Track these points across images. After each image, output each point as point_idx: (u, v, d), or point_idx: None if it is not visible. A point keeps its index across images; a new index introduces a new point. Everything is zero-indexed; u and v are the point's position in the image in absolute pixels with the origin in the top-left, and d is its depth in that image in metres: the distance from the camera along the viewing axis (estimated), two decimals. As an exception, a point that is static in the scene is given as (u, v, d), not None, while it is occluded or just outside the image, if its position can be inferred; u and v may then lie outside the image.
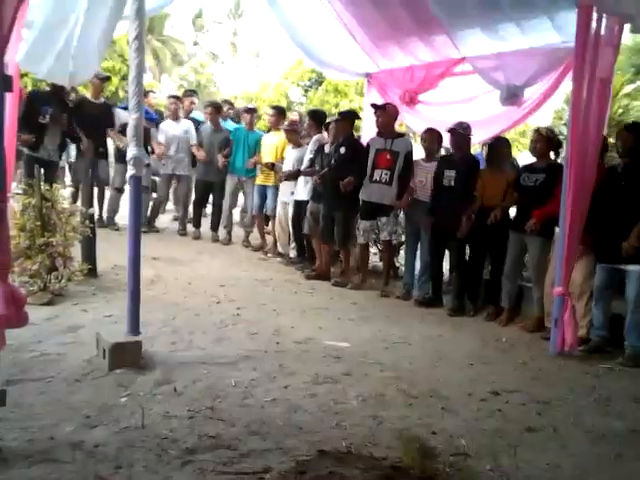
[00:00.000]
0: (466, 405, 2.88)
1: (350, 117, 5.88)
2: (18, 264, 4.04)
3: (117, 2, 3.97)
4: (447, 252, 5.22)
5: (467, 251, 5.07)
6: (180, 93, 12.50)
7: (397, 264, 6.18)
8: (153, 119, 7.28)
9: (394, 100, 6.77)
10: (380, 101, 6.88)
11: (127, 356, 2.91)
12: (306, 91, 20.67)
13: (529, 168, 4.69)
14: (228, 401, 2.67)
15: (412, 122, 6.71)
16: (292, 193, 6.25)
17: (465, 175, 4.91)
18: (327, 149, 5.73)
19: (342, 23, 6.44)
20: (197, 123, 7.69)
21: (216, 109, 7.33)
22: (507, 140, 5.32)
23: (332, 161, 5.53)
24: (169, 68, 32.66)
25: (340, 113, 6.15)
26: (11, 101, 5.08)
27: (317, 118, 6.26)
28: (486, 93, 5.73)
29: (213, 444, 2.25)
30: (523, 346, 4.09)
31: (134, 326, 3.15)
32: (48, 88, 6.58)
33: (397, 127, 6.45)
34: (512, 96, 5.26)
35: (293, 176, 6.15)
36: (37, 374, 2.80)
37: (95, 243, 4.81)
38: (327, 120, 5.98)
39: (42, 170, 4.99)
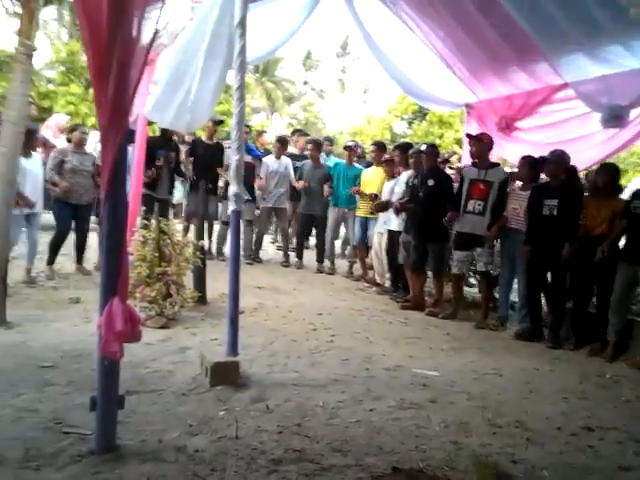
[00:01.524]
0: (554, 438, 2.82)
1: (433, 150, 5.99)
2: (139, 291, 4.56)
3: (226, 58, 4.48)
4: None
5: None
6: (289, 131, 13.27)
7: (495, 295, 6.07)
8: (258, 156, 7.83)
9: (492, 128, 6.78)
10: (479, 131, 6.92)
11: (226, 374, 3.20)
12: (410, 123, 20.85)
13: None
14: (315, 420, 2.85)
15: (509, 151, 6.63)
16: (384, 223, 6.42)
17: (568, 203, 4.75)
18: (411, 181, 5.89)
19: (440, 58, 6.60)
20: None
21: (317, 146, 7.77)
22: (613, 166, 5.07)
23: (420, 193, 5.65)
24: (280, 107, 34.50)
25: (426, 145, 6.26)
26: (138, 150, 5.83)
27: (405, 151, 6.41)
28: (587, 114, 5.59)
29: (298, 457, 2.43)
30: (629, 383, 3.87)
31: (233, 348, 3.46)
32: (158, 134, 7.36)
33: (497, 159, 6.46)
34: (615, 118, 5.08)
35: (383, 207, 6.34)
36: (151, 387, 3.17)
37: (205, 273, 5.28)
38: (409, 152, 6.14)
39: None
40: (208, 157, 7.29)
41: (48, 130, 8.56)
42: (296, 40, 6.54)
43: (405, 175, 6.17)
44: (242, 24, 3.39)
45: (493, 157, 6.77)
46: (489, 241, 5.31)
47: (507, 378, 3.78)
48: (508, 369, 3.98)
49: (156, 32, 2.39)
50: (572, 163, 5.33)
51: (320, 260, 7.67)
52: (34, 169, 5.79)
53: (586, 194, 5.06)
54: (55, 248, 6.11)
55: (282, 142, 8.01)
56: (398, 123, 21.63)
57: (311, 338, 4.49)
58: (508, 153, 6.78)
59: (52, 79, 16.39)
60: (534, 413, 3.14)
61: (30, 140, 5.66)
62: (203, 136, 7.66)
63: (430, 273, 5.92)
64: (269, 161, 7.78)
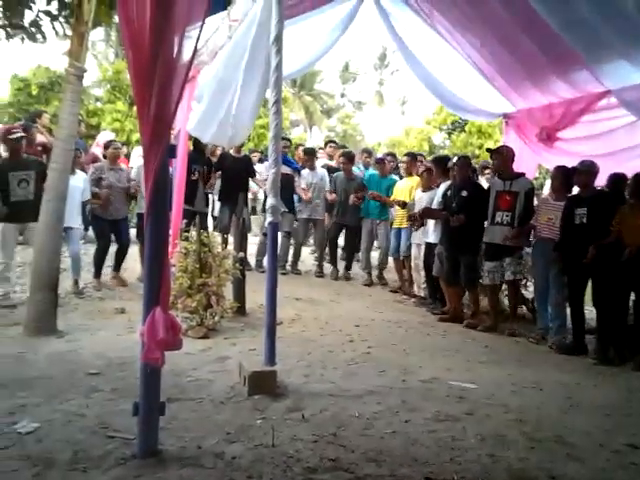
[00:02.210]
0: (595, 455, 2.75)
1: (465, 161, 6.03)
2: (181, 302, 4.70)
3: (265, 74, 4.60)
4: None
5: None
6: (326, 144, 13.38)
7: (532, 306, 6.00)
8: (296, 168, 7.96)
9: (532, 139, 6.69)
10: (517, 141, 6.86)
11: (264, 384, 3.27)
12: (449, 134, 20.70)
13: None
14: (350, 430, 2.87)
15: (551, 161, 6.53)
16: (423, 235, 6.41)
17: (597, 212, 4.73)
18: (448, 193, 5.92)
19: (476, 68, 6.57)
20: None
21: (349, 159, 7.86)
22: None
23: (454, 204, 5.65)
24: (318, 120, 34.82)
25: (458, 157, 6.29)
26: (180, 165, 6.03)
27: (441, 164, 6.41)
28: (633, 123, 5.46)
29: (332, 466, 2.46)
30: (678, 400, 3.73)
31: (270, 358, 3.52)
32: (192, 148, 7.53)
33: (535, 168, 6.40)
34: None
35: (414, 218, 6.38)
36: (191, 395, 3.26)
37: (244, 284, 5.39)
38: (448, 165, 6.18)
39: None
40: (237, 170, 7.44)
41: (98, 148, 8.95)
42: (334, 53, 6.66)
43: (443, 187, 6.17)
44: (277, 41, 3.49)
45: (532, 167, 6.71)
46: (513, 240, 5.31)
47: (547, 392, 3.71)
48: (548, 383, 3.90)
49: (195, 51, 2.49)
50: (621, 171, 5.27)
51: (348, 268, 7.85)
52: (76, 186, 6.08)
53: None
54: (99, 262, 6.38)
55: (309, 153, 8.13)
56: (437, 134, 21.50)
57: (348, 349, 4.52)
58: (551, 165, 6.68)
59: (99, 97, 17.06)
60: (575, 428, 3.07)
61: (74, 157, 5.97)
62: (231, 150, 7.74)
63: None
64: (305, 175, 7.90)
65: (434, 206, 6.25)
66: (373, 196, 7.30)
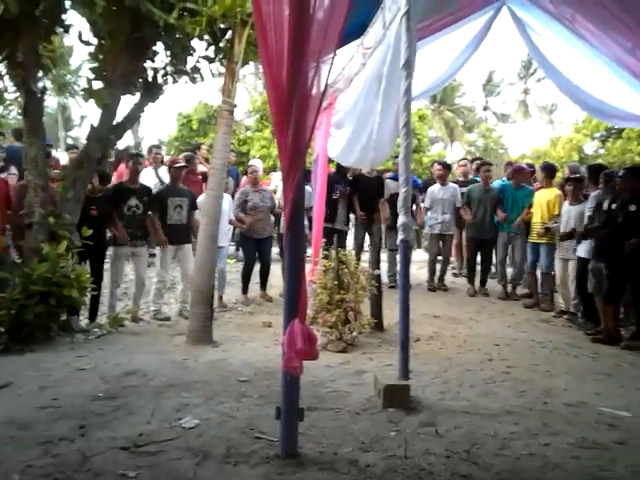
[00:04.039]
0: None
1: (638, 172, 5.50)
2: (321, 317, 4.96)
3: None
4: None
5: None
6: (467, 158, 13.17)
7: None
8: (417, 185, 7.95)
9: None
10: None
11: (398, 397, 3.35)
12: (603, 142, 19.01)
13: None
14: (485, 448, 2.83)
15: None
16: (574, 250, 6.02)
17: None
18: (605, 205, 5.45)
19: (628, 71, 6.07)
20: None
21: (490, 168, 7.71)
22: None
23: (619, 219, 5.23)
24: (459, 135, 34.09)
25: (628, 168, 5.79)
26: (319, 187, 6.39)
27: (596, 174, 6.00)
28: None
29: (464, 482, 2.47)
30: None
31: (404, 372, 3.59)
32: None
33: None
34: None
35: (568, 236, 5.99)
36: (329, 405, 3.43)
37: (381, 300, 5.52)
38: (603, 173, 5.75)
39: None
40: (369, 189, 7.64)
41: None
42: (476, 66, 6.61)
43: (591, 199, 5.78)
44: (407, 66, 3.61)
45: None
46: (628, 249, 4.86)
47: None
48: None
49: (327, 83, 2.68)
50: None
51: (483, 284, 7.68)
52: (224, 209, 6.71)
53: None
54: (246, 278, 6.97)
55: (444, 166, 8.07)
56: (588, 143, 19.86)
57: (486, 368, 4.42)
58: None
59: (249, 126, 18.52)
60: None
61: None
62: (363, 170, 7.88)
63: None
64: (435, 189, 7.87)
65: (585, 220, 5.87)
66: (500, 221, 7.24)
